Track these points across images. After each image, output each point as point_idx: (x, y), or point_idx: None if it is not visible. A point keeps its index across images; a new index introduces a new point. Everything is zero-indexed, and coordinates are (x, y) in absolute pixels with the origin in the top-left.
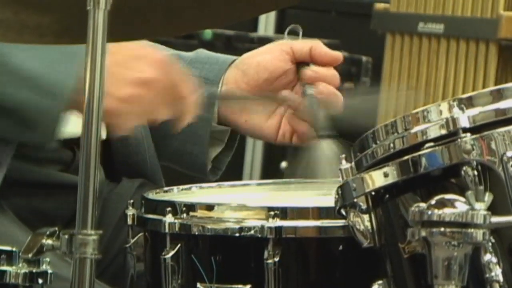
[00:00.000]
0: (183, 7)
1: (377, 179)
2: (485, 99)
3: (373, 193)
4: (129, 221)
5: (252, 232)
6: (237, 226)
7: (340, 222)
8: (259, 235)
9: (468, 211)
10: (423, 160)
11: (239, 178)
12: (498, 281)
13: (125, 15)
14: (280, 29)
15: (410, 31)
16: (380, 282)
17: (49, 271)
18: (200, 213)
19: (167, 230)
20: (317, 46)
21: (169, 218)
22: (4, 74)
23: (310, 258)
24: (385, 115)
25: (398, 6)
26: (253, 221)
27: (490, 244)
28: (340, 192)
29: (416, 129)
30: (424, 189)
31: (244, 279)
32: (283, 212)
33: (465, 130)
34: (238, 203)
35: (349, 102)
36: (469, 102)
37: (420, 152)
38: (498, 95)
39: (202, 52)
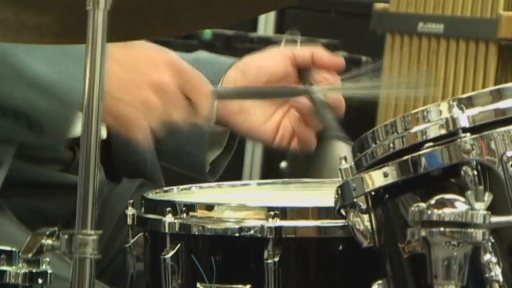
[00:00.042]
0: (183, 7)
1: (377, 179)
2: (485, 99)
3: (372, 193)
4: (129, 221)
5: (252, 232)
6: (237, 226)
7: (340, 222)
8: (259, 235)
9: (467, 211)
10: (423, 160)
11: (239, 178)
12: (497, 281)
13: (125, 15)
14: (279, 29)
15: (410, 31)
16: (380, 282)
17: (49, 271)
18: (200, 213)
19: (167, 230)
20: (319, 51)
21: (169, 218)
22: (14, 78)
23: (310, 258)
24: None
25: (397, 6)
26: (253, 221)
27: (489, 244)
28: (339, 192)
29: (415, 129)
30: (423, 189)
31: (244, 279)
32: (283, 212)
33: (464, 130)
34: (238, 203)
35: (352, 85)
36: (468, 102)
37: (420, 152)
38: (498, 95)
39: (202, 53)
